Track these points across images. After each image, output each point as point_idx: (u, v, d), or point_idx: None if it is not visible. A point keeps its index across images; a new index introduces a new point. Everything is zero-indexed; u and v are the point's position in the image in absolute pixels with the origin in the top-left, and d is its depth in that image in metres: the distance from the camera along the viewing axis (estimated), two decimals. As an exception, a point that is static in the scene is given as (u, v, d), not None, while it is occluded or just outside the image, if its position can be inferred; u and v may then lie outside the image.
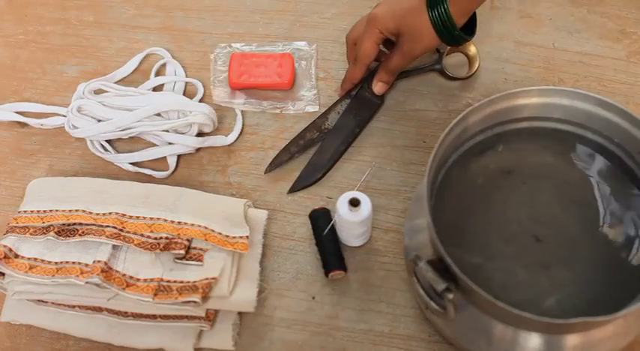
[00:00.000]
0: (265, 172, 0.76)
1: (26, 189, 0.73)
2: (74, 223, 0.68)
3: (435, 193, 0.63)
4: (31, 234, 0.68)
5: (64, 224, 0.68)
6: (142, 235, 0.67)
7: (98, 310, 0.66)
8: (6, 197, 0.77)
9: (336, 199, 0.67)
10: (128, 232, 0.68)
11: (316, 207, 0.72)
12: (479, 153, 0.67)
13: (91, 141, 0.78)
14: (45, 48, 0.87)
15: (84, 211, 0.69)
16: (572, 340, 0.57)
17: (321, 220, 0.71)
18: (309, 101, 0.81)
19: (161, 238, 0.67)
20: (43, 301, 0.67)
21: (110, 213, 0.69)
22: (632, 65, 0.82)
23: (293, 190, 0.75)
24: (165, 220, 0.69)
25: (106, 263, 0.65)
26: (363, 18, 0.76)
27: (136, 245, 0.67)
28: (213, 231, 0.68)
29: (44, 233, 0.68)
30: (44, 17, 0.90)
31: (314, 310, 0.69)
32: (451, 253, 0.55)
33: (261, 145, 0.79)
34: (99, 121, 0.77)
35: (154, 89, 0.82)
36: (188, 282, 0.65)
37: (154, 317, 0.66)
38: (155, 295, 0.64)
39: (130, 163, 0.77)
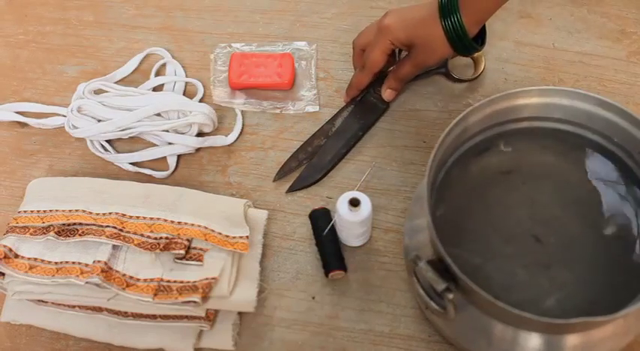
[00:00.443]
0: (274, 180, 0.76)
1: (26, 189, 0.73)
2: (74, 223, 0.68)
3: (435, 193, 0.63)
4: (31, 234, 0.68)
5: (64, 224, 0.68)
6: (142, 235, 0.67)
7: (98, 310, 0.66)
8: (6, 197, 0.77)
9: (336, 199, 0.67)
10: (128, 232, 0.68)
11: (316, 207, 0.72)
12: (479, 153, 0.67)
13: (91, 141, 0.78)
14: (45, 48, 0.87)
15: (84, 211, 0.69)
16: (572, 340, 0.57)
17: (321, 220, 0.71)
18: (309, 101, 0.81)
19: (161, 238, 0.67)
20: (43, 301, 0.67)
21: (110, 213, 0.69)
22: (632, 65, 0.82)
23: (292, 189, 0.75)
24: (165, 220, 0.69)
25: (106, 263, 0.65)
26: (372, 25, 0.75)
27: (136, 245, 0.67)
28: (213, 231, 0.68)
29: (44, 233, 0.68)
30: (44, 17, 0.90)
31: (314, 310, 0.69)
32: (451, 253, 0.55)
33: (261, 145, 0.79)
34: (99, 121, 0.77)
35: (154, 89, 0.82)
36: (188, 282, 0.65)
37: (154, 317, 0.66)
38: (155, 295, 0.64)
39: (130, 163, 0.77)
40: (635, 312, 0.57)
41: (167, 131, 0.76)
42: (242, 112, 0.80)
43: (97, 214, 0.69)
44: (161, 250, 0.66)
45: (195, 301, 0.63)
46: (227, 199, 0.73)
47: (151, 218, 0.69)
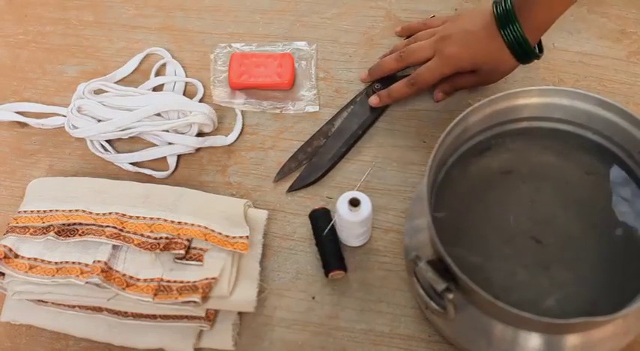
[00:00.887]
0: (274, 181, 0.76)
1: (26, 189, 0.73)
2: (74, 223, 0.68)
3: (435, 193, 0.63)
4: (31, 234, 0.68)
5: (64, 224, 0.68)
6: (142, 235, 0.67)
7: (98, 310, 0.66)
8: (6, 197, 0.77)
9: (336, 199, 0.67)
10: (128, 232, 0.68)
11: (316, 207, 0.72)
12: (479, 153, 0.67)
13: (91, 141, 0.78)
14: (45, 48, 0.87)
15: (84, 211, 0.69)
16: (572, 340, 0.57)
17: (321, 220, 0.71)
18: (309, 101, 0.81)
19: (161, 238, 0.67)
20: (43, 301, 0.67)
21: (110, 213, 0.69)
22: (632, 65, 0.82)
23: (292, 189, 0.75)
24: (166, 220, 0.69)
25: (106, 263, 0.65)
26: (426, 43, 0.75)
27: (136, 245, 0.67)
28: (213, 231, 0.68)
29: (44, 233, 0.68)
30: (44, 17, 0.90)
31: (314, 310, 0.69)
32: (451, 253, 0.55)
33: (261, 145, 0.79)
34: (99, 121, 0.77)
35: (154, 89, 0.82)
36: (188, 282, 0.65)
37: (154, 317, 0.66)
38: (155, 295, 0.64)
39: (130, 163, 0.77)
40: (635, 312, 0.57)
41: (167, 131, 0.76)
42: (242, 112, 0.80)
43: (97, 214, 0.69)
44: (161, 250, 0.66)
45: (195, 301, 0.63)
46: (227, 199, 0.73)
47: (151, 218, 0.69)
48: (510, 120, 0.65)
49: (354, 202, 0.65)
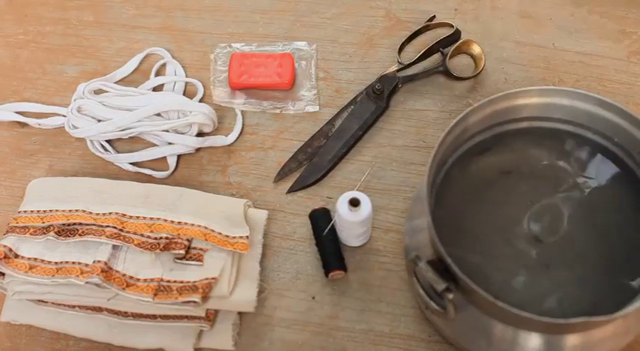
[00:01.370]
0: (274, 181, 0.76)
1: (26, 189, 0.73)
2: (74, 223, 0.68)
3: (435, 193, 0.63)
4: (31, 234, 0.68)
5: (64, 224, 0.68)
6: (142, 235, 0.67)
7: (98, 310, 0.66)
8: (6, 197, 0.77)
9: (336, 199, 0.67)
10: (128, 232, 0.68)
11: (316, 207, 0.72)
12: (479, 153, 0.67)
13: (91, 141, 0.78)
14: (45, 48, 0.87)
15: (84, 211, 0.69)
16: (572, 340, 0.57)
17: (321, 220, 0.71)
18: (309, 101, 0.81)
19: (161, 238, 0.67)
20: (43, 301, 0.67)
21: (110, 213, 0.69)
22: (632, 65, 0.82)
23: (292, 189, 0.75)
24: (165, 220, 0.69)
25: (106, 263, 0.65)
26: None
27: (136, 245, 0.67)
28: (213, 231, 0.68)
29: (44, 233, 0.68)
30: (44, 17, 0.90)
31: (314, 310, 0.69)
32: (451, 253, 0.55)
33: (261, 145, 0.79)
34: (99, 121, 0.77)
35: (154, 89, 0.82)
36: (188, 282, 0.65)
37: (154, 317, 0.66)
38: (155, 295, 0.64)
39: (130, 163, 0.77)
40: (635, 312, 0.57)
41: (167, 131, 0.76)
42: (242, 112, 0.80)
43: (97, 214, 0.69)
44: (161, 250, 0.66)
45: (195, 301, 0.63)
46: (227, 199, 0.73)
47: (151, 218, 0.69)
48: (510, 120, 0.65)
49: (354, 202, 0.65)
